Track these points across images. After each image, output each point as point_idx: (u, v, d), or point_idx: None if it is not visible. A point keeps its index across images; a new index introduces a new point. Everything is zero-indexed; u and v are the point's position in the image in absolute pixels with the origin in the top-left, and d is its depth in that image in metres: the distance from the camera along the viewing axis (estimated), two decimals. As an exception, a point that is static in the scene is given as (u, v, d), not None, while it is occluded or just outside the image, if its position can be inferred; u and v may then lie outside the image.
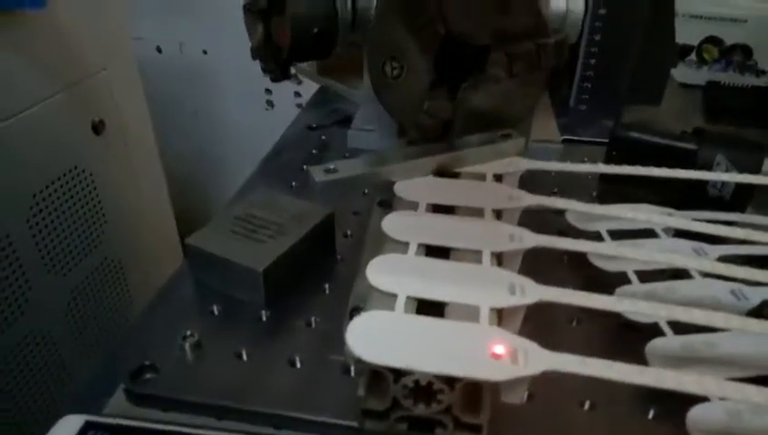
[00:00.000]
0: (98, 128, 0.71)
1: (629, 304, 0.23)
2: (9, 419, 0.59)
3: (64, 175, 0.65)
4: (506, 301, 0.23)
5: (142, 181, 0.81)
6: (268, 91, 1.21)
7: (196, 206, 1.23)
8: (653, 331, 0.28)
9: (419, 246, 0.27)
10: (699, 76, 0.68)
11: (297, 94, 1.19)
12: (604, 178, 0.43)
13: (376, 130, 0.47)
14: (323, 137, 0.52)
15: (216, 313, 0.30)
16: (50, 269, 0.63)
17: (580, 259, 0.33)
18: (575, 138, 0.53)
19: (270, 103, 1.23)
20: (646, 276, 0.32)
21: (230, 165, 1.29)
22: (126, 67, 0.77)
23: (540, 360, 0.20)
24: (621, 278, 0.32)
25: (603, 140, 0.50)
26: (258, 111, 1.23)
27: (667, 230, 0.35)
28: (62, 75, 0.64)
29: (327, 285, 0.32)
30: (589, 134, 0.54)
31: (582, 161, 0.48)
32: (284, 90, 1.19)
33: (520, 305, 0.23)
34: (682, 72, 0.68)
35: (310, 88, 0.66)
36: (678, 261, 0.27)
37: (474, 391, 0.22)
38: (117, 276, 0.76)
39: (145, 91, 0.82)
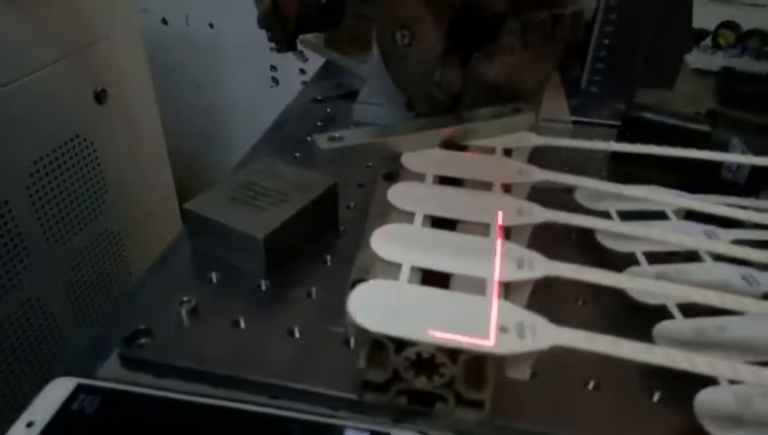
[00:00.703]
0: (100, 97, 0.71)
1: (640, 283, 0.23)
2: (4, 386, 0.59)
3: (66, 143, 0.64)
4: (514, 274, 0.23)
5: (144, 152, 0.81)
6: (273, 67, 1.20)
7: (197, 180, 1.22)
8: (660, 313, 0.27)
9: (425, 217, 0.26)
10: (713, 62, 0.66)
11: (302, 71, 1.18)
12: (615, 158, 0.42)
13: (383, 103, 0.46)
14: (328, 109, 0.51)
15: (214, 280, 0.30)
16: (49, 238, 0.63)
17: (587, 239, 0.32)
18: (585, 119, 0.52)
19: (275, 80, 1.21)
20: (655, 258, 0.31)
21: (233, 141, 1.28)
22: (130, 37, 0.76)
23: (547, 334, 0.20)
24: (630, 259, 0.31)
25: (614, 123, 0.49)
26: (263, 87, 1.21)
27: (677, 213, 0.34)
28: (65, 42, 0.63)
29: (328, 257, 0.32)
30: (599, 116, 0.53)
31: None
32: (289, 67, 1.17)
33: (528, 279, 0.23)
34: (696, 58, 0.67)
35: (315, 65, 0.65)
36: (691, 242, 0.26)
37: (477, 366, 0.21)
38: (116, 247, 0.75)
39: (149, 63, 0.81)
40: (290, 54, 1.15)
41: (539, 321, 0.20)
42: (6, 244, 0.56)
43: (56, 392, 0.22)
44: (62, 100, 0.63)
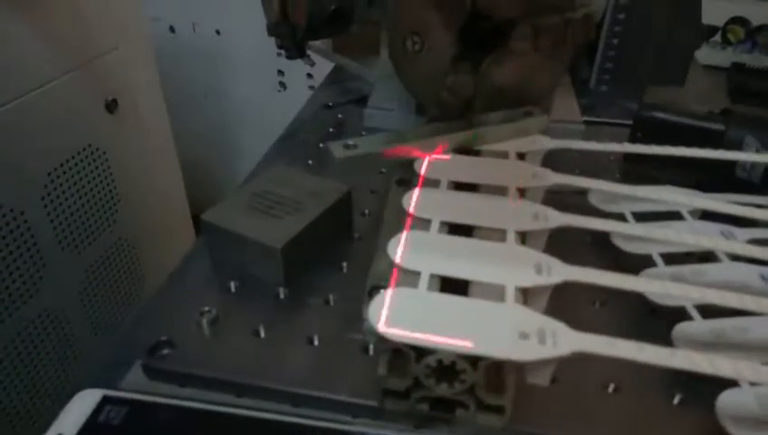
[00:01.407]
0: (111, 107, 0.71)
1: (659, 286, 0.23)
2: (21, 395, 0.60)
3: (78, 153, 0.65)
4: (533, 280, 0.23)
5: (155, 161, 0.81)
6: (281, 72, 1.20)
7: (208, 187, 1.23)
8: (678, 315, 0.27)
9: (441, 223, 0.26)
10: (723, 58, 0.66)
11: (309, 76, 1.18)
12: (628, 159, 0.42)
13: (393, 108, 0.46)
14: (340, 115, 0.51)
15: (233, 289, 0.30)
16: (64, 248, 0.63)
17: (603, 242, 0.32)
18: (596, 119, 0.52)
19: (282, 85, 1.22)
20: (671, 260, 0.31)
21: (242, 146, 1.28)
22: (140, 46, 0.76)
23: (568, 340, 0.20)
24: (646, 261, 0.31)
25: (624, 122, 0.49)
26: (270, 92, 1.22)
27: (692, 213, 0.34)
28: (76, 53, 0.64)
29: (344, 264, 0.32)
30: (609, 115, 0.53)
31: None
32: (297, 71, 1.18)
33: (546, 285, 0.23)
34: (706, 54, 0.66)
35: (322, 70, 0.65)
36: (708, 242, 0.26)
37: (497, 372, 0.21)
38: (130, 256, 0.76)
39: (158, 71, 0.81)
40: (297, 59, 1.16)
41: (559, 327, 0.20)
42: (23, 254, 0.57)
43: (83, 404, 0.23)
44: (74, 110, 0.64)
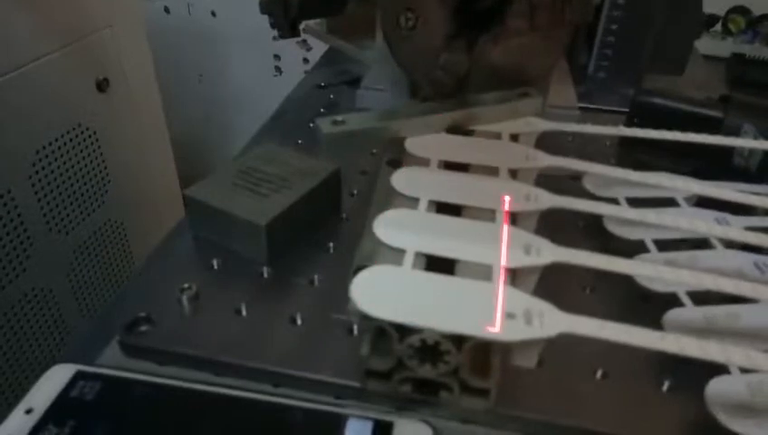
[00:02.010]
0: (102, 86, 0.70)
1: (651, 269, 0.22)
2: (7, 375, 0.59)
3: (68, 132, 0.64)
4: (521, 260, 0.22)
5: (147, 142, 0.80)
6: (277, 57, 1.19)
7: (200, 170, 1.21)
8: (669, 302, 0.27)
9: (430, 202, 0.25)
10: (723, 48, 0.65)
11: (305, 60, 1.17)
12: (623, 145, 0.41)
13: (387, 89, 0.45)
14: (332, 96, 0.51)
15: (215, 267, 0.29)
16: (52, 227, 0.63)
17: (596, 227, 0.32)
18: (592, 106, 0.51)
19: (278, 69, 1.20)
20: (664, 247, 0.30)
21: (236, 130, 1.27)
22: (132, 25, 0.75)
23: (557, 322, 0.19)
24: (638, 248, 0.30)
25: (621, 109, 0.49)
26: (266, 76, 1.20)
27: (688, 201, 0.34)
28: (66, 30, 0.63)
29: (331, 244, 0.31)
30: (607, 103, 0.52)
31: (600, 129, 0.46)
32: (293, 56, 1.16)
33: (535, 266, 0.22)
34: (706, 44, 0.66)
35: (319, 54, 0.64)
36: (704, 227, 0.25)
37: (482, 354, 0.21)
38: (120, 237, 0.75)
39: (151, 52, 0.80)
40: (293, 43, 1.15)
41: (547, 308, 0.20)
42: (9, 233, 0.56)
43: (55, 379, 0.22)
44: (64, 89, 0.63)
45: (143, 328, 0.25)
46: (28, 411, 0.21)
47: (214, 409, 0.22)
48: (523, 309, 0.20)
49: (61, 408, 0.21)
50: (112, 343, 0.25)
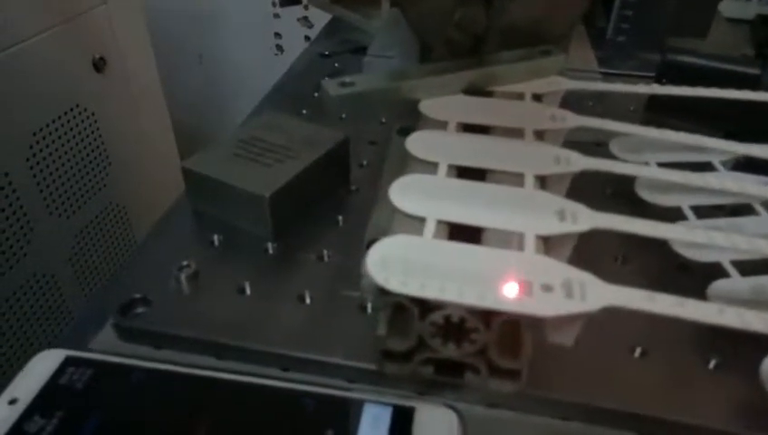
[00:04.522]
0: (99, 65, 0.68)
1: (703, 235, 0.20)
2: (10, 360, 0.58)
3: (65, 113, 0.62)
4: (556, 227, 0.20)
5: (146, 123, 0.78)
6: (278, 35, 1.16)
7: (204, 153, 1.20)
8: (711, 273, 0.24)
9: (450, 167, 0.23)
10: (748, 10, 0.62)
11: (307, 38, 1.13)
12: (650, 109, 0.38)
13: (395, 56, 0.42)
14: (337, 65, 0.48)
15: (216, 243, 0.27)
16: (52, 211, 0.61)
17: (624, 194, 0.29)
18: (613, 71, 0.48)
19: (279, 48, 1.17)
20: (702, 214, 0.28)
21: (238, 110, 1.24)
22: (129, 2, 0.73)
23: (600, 294, 0.17)
24: (673, 216, 0.28)
25: (643, 74, 0.46)
26: (267, 55, 1.18)
27: (724, 165, 0.31)
28: (60, 7, 0.61)
29: (340, 217, 0.29)
30: (627, 68, 0.49)
31: (624, 94, 0.43)
32: (294, 34, 1.13)
33: (570, 233, 0.20)
34: (729, 6, 0.62)
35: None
36: (754, 190, 0.23)
37: (512, 331, 0.19)
38: (122, 220, 0.74)
39: (150, 31, 0.78)
40: (294, 21, 1.12)
41: (588, 278, 0.18)
42: (9, 217, 0.55)
43: (42, 366, 0.20)
44: (60, 68, 0.61)
45: (139, 310, 0.23)
46: (12, 402, 0.19)
47: (216, 396, 0.20)
48: (561, 280, 0.17)
49: (48, 397, 0.19)
50: (106, 327, 0.23)
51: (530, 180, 0.22)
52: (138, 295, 0.24)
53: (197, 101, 1.24)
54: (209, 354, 0.22)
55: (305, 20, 1.12)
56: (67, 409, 0.19)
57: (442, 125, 0.26)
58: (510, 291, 0.17)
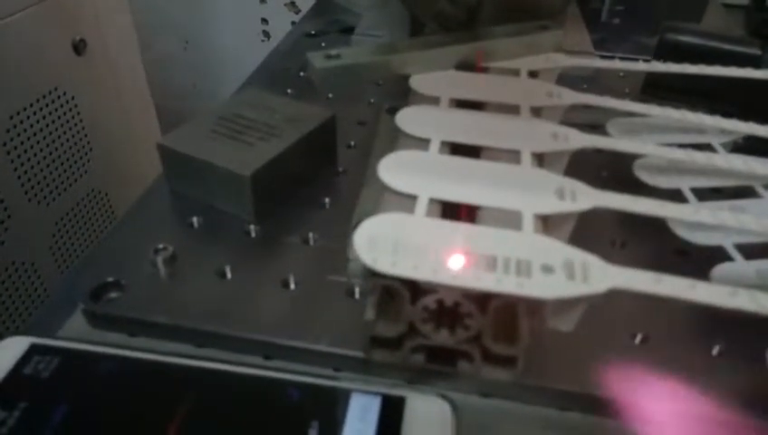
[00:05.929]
0: (79, 47, 0.66)
1: (708, 215, 0.19)
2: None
3: (44, 97, 0.60)
4: (555, 206, 0.19)
5: (129, 107, 0.76)
6: (264, 20, 1.14)
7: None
8: (712, 257, 0.24)
9: (443, 144, 0.22)
10: (743, -6, 0.61)
11: (294, 24, 1.11)
12: (647, 90, 0.37)
13: (384, 34, 0.41)
14: (323, 44, 0.46)
15: (195, 225, 0.26)
16: (31, 198, 0.59)
17: (623, 176, 0.28)
18: (607, 54, 0.47)
19: (266, 34, 1.15)
20: (702, 196, 0.27)
21: (223, 97, 1.22)
22: (109, -18, 0.70)
23: (604, 275, 0.16)
24: (674, 197, 0.27)
25: (638, 57, 0.45)
26: (253, 41, 1.15)
27: (724, 146, 0.30)
28: (38, -14, 0.58)
29: (327, 199, 0.28)
30: (622, 51, 0.48)
31: (619, 76, 0.42)
32: (281, 20, 1.11)
33: (570, 212, 0.19)
34: (725, -10, 0.61)
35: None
36: (763, 170, 0.22)
37: (508, 316, 0.18)
38: (104, 207, 0.72)
39: (134, 17, 0.76)
40: (281, 6, 1.09)
41: (591, 259, 0.16)
42: (-16, 203, 0.53)
43: (5, 354, 0.19)
44: (38, 50, 0.59)
45: (112, 295, 0.22)
46: (-30, 392, 0.17)
47: (195, 385, 0.19)
48: (562, 261, 0.16)
49: (10, 388, 0.18)
50: (76, 313, 0.22)
51: (527, 158, 0.21)
52: (110, 279, 0.22)
53: (183, 88, 1.22)
54: (187, 342, 0.21)
55: (292, 5, 1.09)
56: (31, 399, 0.17)
57: (434, 101, 0.25)
58: (506, 273, 0.16)
